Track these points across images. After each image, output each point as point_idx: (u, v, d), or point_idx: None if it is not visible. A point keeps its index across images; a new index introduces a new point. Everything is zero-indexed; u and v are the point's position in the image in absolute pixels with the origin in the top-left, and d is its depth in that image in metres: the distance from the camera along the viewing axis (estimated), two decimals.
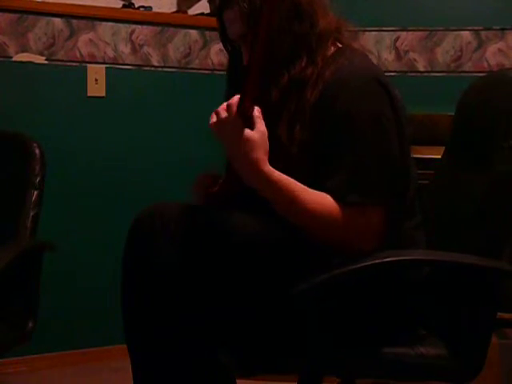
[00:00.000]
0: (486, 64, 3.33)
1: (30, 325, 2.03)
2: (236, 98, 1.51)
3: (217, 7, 1.68)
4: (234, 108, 1.50)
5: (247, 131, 1.50)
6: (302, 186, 1.52)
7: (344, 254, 1.49)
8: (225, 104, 1.52)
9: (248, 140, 1.49)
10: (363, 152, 1.52)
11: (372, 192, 1.52)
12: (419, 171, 1.68)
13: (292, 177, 1.53)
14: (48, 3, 3.06)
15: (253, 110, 1.50)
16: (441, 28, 3.37)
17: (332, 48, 1.63)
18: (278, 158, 1.53)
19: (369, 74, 1.56)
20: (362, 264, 1.46)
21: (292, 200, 1.51)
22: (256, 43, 1.46)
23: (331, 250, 1.50)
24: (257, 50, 1.47)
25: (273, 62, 1.54)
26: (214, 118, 1.53)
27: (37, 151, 2.16)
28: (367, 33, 3.34)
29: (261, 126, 1.51)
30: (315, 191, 1.52)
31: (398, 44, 3.41)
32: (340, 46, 1.64)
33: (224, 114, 1.51)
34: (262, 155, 1.50)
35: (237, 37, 1.63)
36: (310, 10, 1.60)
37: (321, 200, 1.52)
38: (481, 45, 3.33)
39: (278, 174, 1.52)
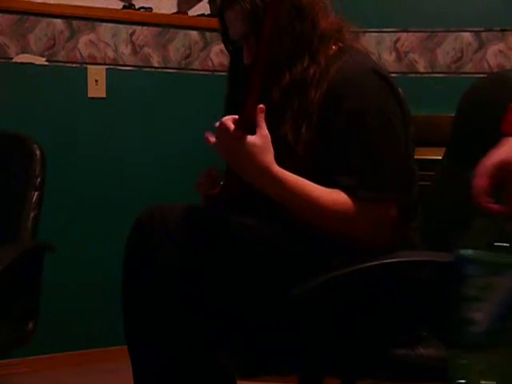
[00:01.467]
0: (486, 65, 3.33)
1: (31, 326, 2.03)
2: (229, 117, 1.52)
3: (218, 7, 1.68)
4: (228, 122, 1.51)
5: (249, 137, 1.50)
6: (313, 183, 1.53)
7: (358, 250, 1.50)
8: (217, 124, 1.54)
9: (252, 146, 1.50)
10: (373, 149, 1.53)
11: (384, 188, 1.52)
12: (420, 172, 1.68)
13: (298, 175, 1.53)
14: (48, 4, 3.06)
15: (255, 114, 1.51)
16: (441, 29, 3.36)
17: (334, 47, 1.63)
18: (282, 158, 1.53)
19: (373, 71, 1.57)
20: (362, 265, 1.46)
21: (305, 198, 1.52)
22: (258, 52, 1.47)
23: (337, 247, 1.51)
24: (260, 59, 1.47)
25: (274, 63, 1.54)
26: (213, 139, 1.55)
27: (37, 152, 2.16)
28: (368, 34, 3.34)
29: (263, 129, 1.51)
30: (327, 188, 1.53)
31: (398, 45, 3.41)
32: (341, 45, 1.64)
33: (221, 132, 1.52)
34: (268, 158, 1.51)
35: (238, 37, 1.63)
36: (311, 11, 1.60)
37: (334, 196, 1.52)
38: (481, 46, 3.33)
39: (287, 174, 1.52)
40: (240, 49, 1.66)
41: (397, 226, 1.55)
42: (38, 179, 2.13)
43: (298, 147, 1.55)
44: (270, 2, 1.47)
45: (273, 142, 1.52)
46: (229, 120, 1.52)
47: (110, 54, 3.19)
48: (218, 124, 1.54)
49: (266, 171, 1.51)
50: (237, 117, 1.52)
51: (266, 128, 1.51)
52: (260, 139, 1.51)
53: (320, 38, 1.60)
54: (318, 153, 1.55)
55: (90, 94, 3.16)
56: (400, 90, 1.60)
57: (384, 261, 1.48)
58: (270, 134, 1.52)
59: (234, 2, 1.60)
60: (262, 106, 1.50)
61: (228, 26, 1.65)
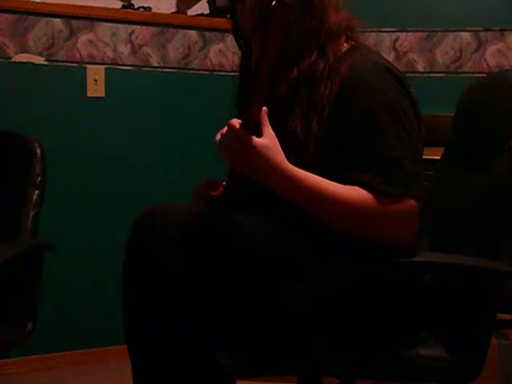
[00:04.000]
0: (485, 65, 3.33)
1: (30, 326, 2.03)
2: (234, 120, 1.51)
3: (229, 2, 1.67)
4: (237, 126, 1.49)
5: (258, 140, 1.48)
6: (327, 180, 1.51)
7: (387, 244, 1.49)
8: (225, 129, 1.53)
9: (264, 147, 1.48)
10: (389, 145, 1.51)
11: (404, 183, 1.51)
12: None
13: (306, 171, 1.52)
14: (47, 4, 3.06)
15: (260, 115, 1.50)
16: (440, 29, 3.37)
17: (345, 45, 1.62)
18: (289, 153, 1.52)
19: (385, 69, 1.56)
20: (364, 266, 1.47)
21: (321, 194, 1.50)
22: (264, 55, 1.47)
23: (342, 248, 1.50)
24: (265, 62, 1.47)
25: (282, 57, 1.53)
26: (221, 145, 1.53)
27: (38, 151, 2.15)
28: (367, 33, 3.33)
29: (269, 129, 1.50)
30: (343, 185, 1.51)
31: (397, 45, 3.41)
32: (354, 43, 1.64)
33: (228, 137, 1.50)
34: (280, 157, 1.50)
35: (247, 30, 1.63)
36: (321, 6, 1.59)
37: (352, 191, 1.50)
38: (480, 46, 3.34)
39: (301, 171, 1.51)
40: (250, 43, 1.66)
41: (419, 218, 1.53)
42: (39, 178, 2.12)
43: (308, 142, 1.54)
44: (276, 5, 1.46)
45: (280, 137, 1.51)
46: (237, 123, 1.50)
47: (109, 53, 3.19)
48: (225, 129, 1.53)
49: (280, 170, 1.49)
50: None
51: (270, 128, 1.51)
52: (269, 140, 1.49)
53: (328, 32, 1.59)
54: (328, 149, 1.54)
55: (89, 94, 3.16)
56: (412, 89, 1.60)
57: (385, 262, 1.48)
58: (277, 129, 1.51)
59: None
60: (265, 108, 1.50)
61: (238, 20, 1.64)
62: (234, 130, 1.49)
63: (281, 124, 1.52)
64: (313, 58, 1.57)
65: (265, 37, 1.46)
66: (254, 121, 1.48)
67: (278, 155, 1.50)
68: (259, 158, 1.48)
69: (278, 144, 1.50)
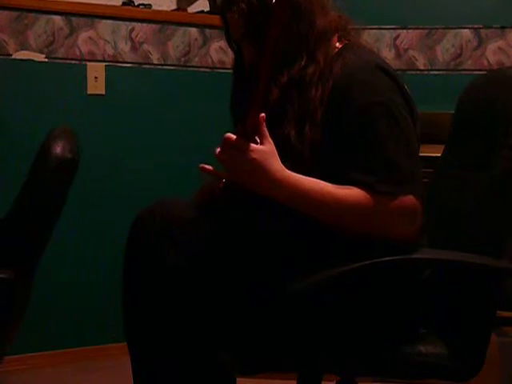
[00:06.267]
0: (485, 62, 3.33)
1: None
2: (229, 134, 1.51)
3: (220, 8, 1.68)
4: (233, 137, 1.49)
5: (257, 147, 1.49)
6: (324, 182, 1.52)
7: (389, 241, 1.49)
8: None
9: (262, 153, 1.49)
10: (385, 143, 1.51)
11: (402, 181, 1.51)
12: None
13: (302, 174, 1.52)
14: (48, 1, 3.06)
15: (258, 123, 1.50)
16: (441, 26, 3.37)
17: (338, 44, 1.63)
18: (285, 158, 1.53)
19: (377, 67, 1.56)
20: (362, 263, 1.46)
21: (320, 198, 1.50)
22: (261, 65, 1.47)
23: (340, 244, 1.50)
24: (262, 66, 1.47)
25: (275, 61, 1.53)
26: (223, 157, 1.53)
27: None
28: (367, 31, 3.34)
29: (267, 137, 1.51)
30: (340, 185, 1.51)
31: (397, 42, 3.41)
32: (347, 42, 1.64)
33: (226, 147, 1.51)
34: (278, 163, 1.50)
35: (238, 37, 1.63)
36: (309, 11, 1.59)
37: (348, 191, 1.50)
38: (481, 43, 3.34)
39: (299, 176, 1.51)
40: (242, 48, 1.66)
41: (420, 210, 1.53)
42: None
43: (302, 146, 1.55)
44: (276, 13, 1.46)
45: (275, 142, 1.51)
46: (232, 136, 1.51)
47: (110, 50, 3.19)
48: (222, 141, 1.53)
49: (278, 177, 1.50)
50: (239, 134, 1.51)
51: (268, 136, 1.51)
52: (267, 146, 1.50)
53: (318, 36, 1.59)
54: (323, 151, 1.54)
55: (90, 91, 3.16)
56: (406, 86, 1.60)
57: (384, 259, 1.48)
58: (272, 135, 1.52)
59: (232, 4, 1.59)
60: (263, 114, 1.50)
61: (229, 27, 1.65)
62: (231, 140, 1.49)
63: (274, 129, 1.52)
64: (302, 62, 1.57)
65: (264, 37, 1.46)
66: (253, 127, 1.49)
67: (276, 161, 1.50)
68: (257, 163, 1.49)
69: (275, 151, 1.51)
